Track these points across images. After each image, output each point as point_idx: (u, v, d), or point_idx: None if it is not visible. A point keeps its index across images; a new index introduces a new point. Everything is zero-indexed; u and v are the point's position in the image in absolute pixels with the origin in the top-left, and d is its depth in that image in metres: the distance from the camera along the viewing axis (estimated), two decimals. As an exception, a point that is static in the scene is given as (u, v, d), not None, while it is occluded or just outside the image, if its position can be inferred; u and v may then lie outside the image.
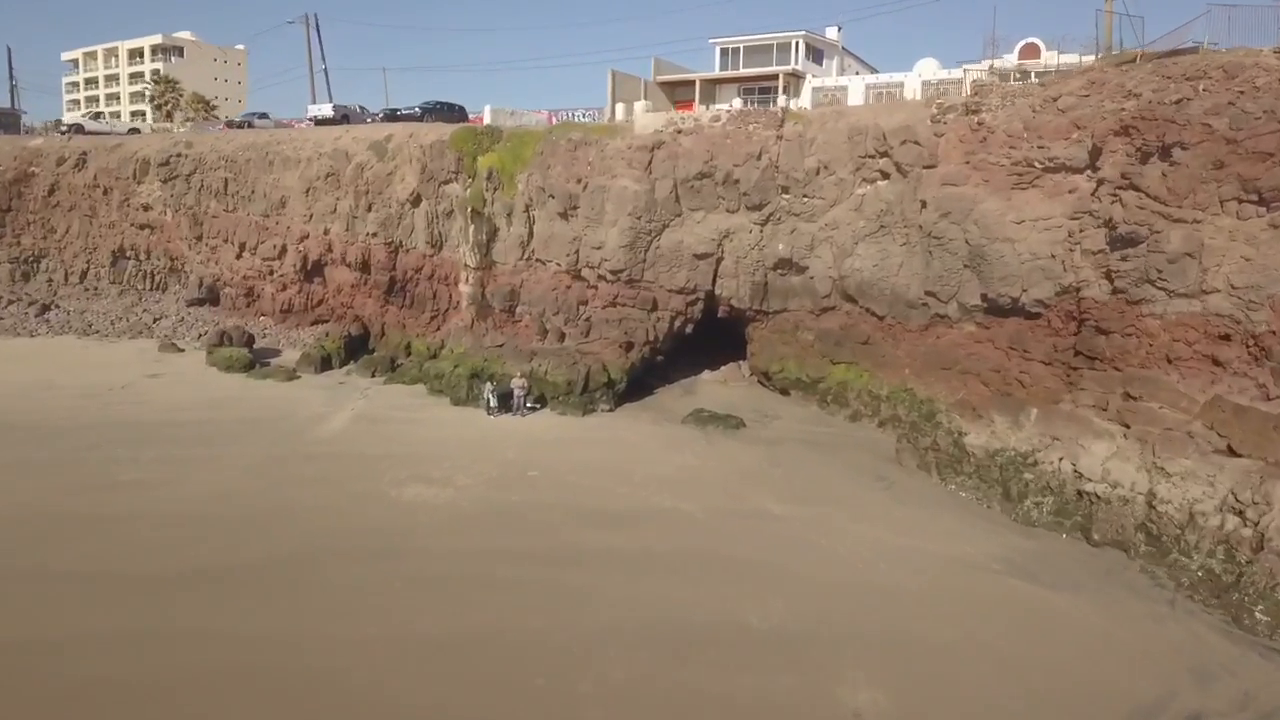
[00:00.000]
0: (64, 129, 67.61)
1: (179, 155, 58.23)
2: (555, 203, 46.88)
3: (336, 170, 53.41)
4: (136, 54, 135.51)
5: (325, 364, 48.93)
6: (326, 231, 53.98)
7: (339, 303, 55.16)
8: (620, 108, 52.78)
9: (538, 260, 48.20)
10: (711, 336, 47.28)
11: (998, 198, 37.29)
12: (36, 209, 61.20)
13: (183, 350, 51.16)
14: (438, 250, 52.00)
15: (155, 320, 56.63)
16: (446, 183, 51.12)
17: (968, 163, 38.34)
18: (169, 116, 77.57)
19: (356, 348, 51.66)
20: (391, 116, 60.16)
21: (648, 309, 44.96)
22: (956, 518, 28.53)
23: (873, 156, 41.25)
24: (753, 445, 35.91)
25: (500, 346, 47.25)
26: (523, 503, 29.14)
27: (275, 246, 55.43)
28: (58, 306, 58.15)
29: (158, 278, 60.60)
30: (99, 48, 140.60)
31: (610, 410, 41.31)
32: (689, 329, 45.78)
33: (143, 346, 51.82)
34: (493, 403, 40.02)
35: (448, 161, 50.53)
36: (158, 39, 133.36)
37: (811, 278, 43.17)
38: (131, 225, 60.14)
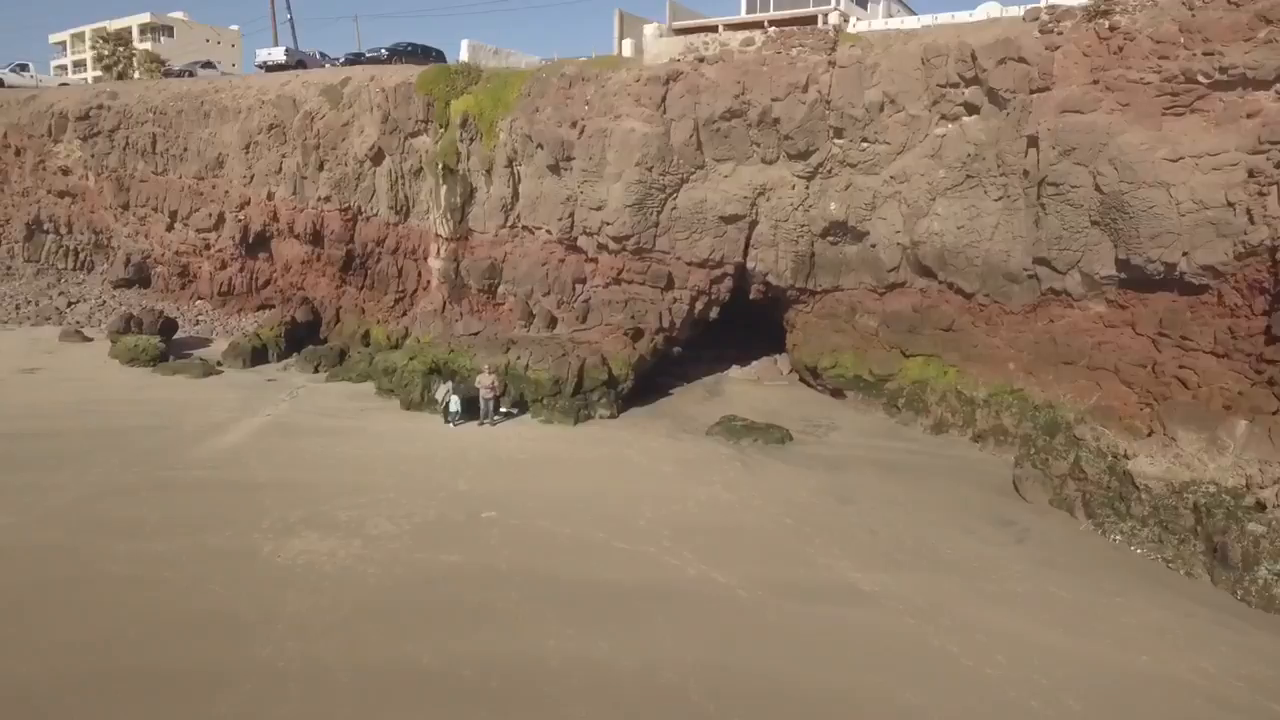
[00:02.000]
0: (-23, 81, 57.16)
1: (100, 108, 47.46)
2: (544, 154, 36.00)
3: (282, 121, 42.65)
4: (125, 34, 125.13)
5: (259, 356, 38.25)
6: (270, 196, 43.26)
7: (288, 283, 44.47)
8: (628, 44, 41.89)
9: (524, 227, 37.37)
10: (741, 323, 36.40)
11: (1143, 127, 26.33)
12: (-62, 173, 50.82)
13: (90, 339, 40.52)
14: (404, 217, 41.28)
15: (70, 304, 45.97)
16: (414, 134, 40.35)
17: (1097, 82, 27.33)
18: (121, 78, 67.10)
19: (303, 337, 40.97)
20: (355, 62, 49.38)
21: (661, 287, 34.06)
22: (1149, 597, 17.47)
23: (957, 85, 30.22)
24: (807, 469, 24.96)
25: (475, 335, 36.48)
26: (463, 569, 18.25)
27: (211, 215, 44.70)
28: (-43, 288, 47.67)
29: (82, 254, 49.87)
30: (86, 29, 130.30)
31: (611, 417, 30.43)
32: (713, 313, 34.84)
33: (40, 335, 41.14)
34: (453, 407, 29.22)
35: (415, 108, 39.75)
36: (145, 18, 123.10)
37: (873, 246, 32.24)
38: (49, 192, 49.52)
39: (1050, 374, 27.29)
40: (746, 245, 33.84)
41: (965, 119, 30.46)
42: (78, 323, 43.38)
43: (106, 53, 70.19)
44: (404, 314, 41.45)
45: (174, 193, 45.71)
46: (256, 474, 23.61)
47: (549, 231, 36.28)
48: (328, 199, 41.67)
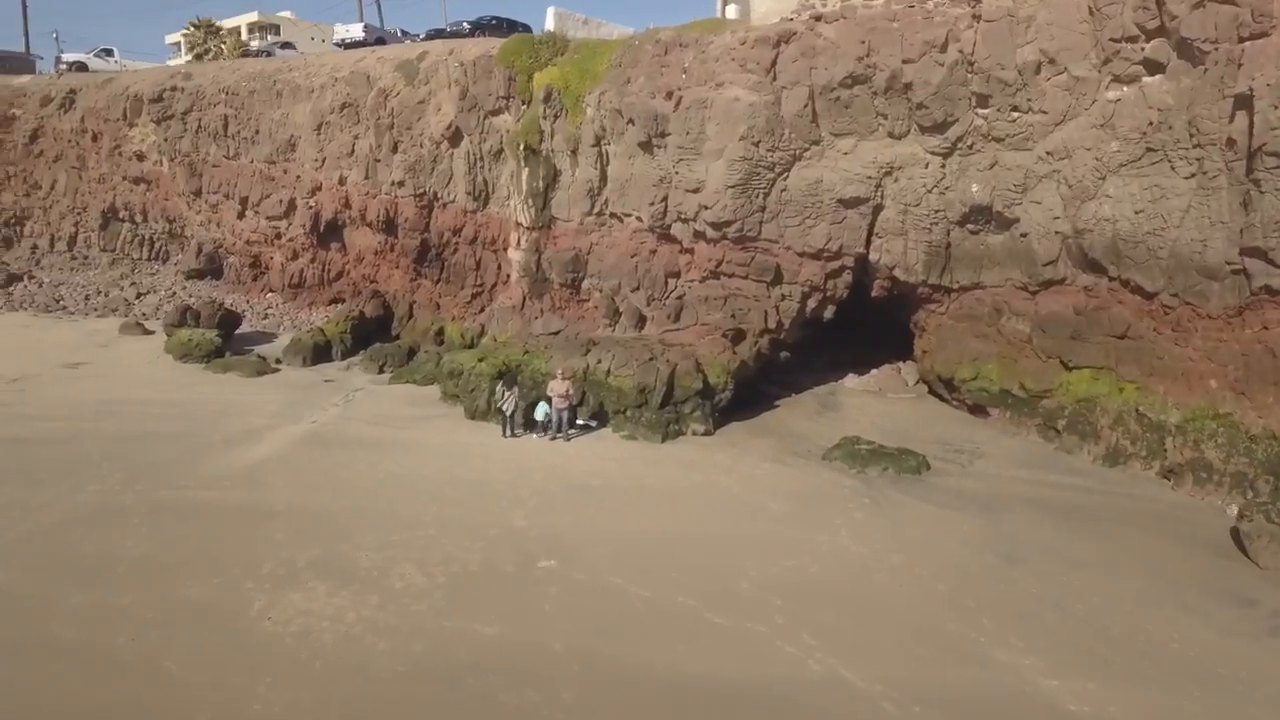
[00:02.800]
0: (63, 66, 54.81)
1: (174, 89, 44.34)
2: (636, 130, 30.97)
3: (355, 99, 38.66)
4: (235, 34, 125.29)
5: (321, 354, 34.20)
6: (342, 181, 39.33)
7: (360, 275, 40.55)
8: (733, 9, 36.64)
9: (612, 214, 32.42)
10: (857, 324, 30.72)
11: (1404, 79, 19.91)
12: (17, 159, 48.32)
13: (152, 332, 37.08)
14: (482, 204, 36.84)
15: (140, 295, 42.92)
16: (495, 113, 35.87)
17: (1337, 23, 20.98)
18: (213, 66, 64.71)
19: (372, 333, 36.93)
20: (436, 37, 45.26)
21: (767, 282, 28.68)
22: None
23: (1135, 38, 24.09)
24: (954, 510, 19.28)
25: (555, 334, 31.72)
26: (503, 648, 13.26)
27: (281, 202, 41.04)
28: (31, 278, 45.00)
29: (157, 244, 46.98)
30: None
31: (706, 433, 25.16)
32: (828, 312, 29.28)
33: (100, 327, 37.91)
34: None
35: (495, 83, 35.25)
36: (253, 16, 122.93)
37: (1024, 235, 26.32)
38: (124, 179, 46.68)
39: (1270, 395, 20.93)
40: (869, 234, 28.23)
41: (1146, 80, 24.30)
42: (143, 315, 40.14)
43: (198, 40, 67.83)
44: (481, 310, 37.02)
45: (245, 178, 42.25)
46: (275, 497, 19.13)
47: (639, 218, 31.25)
48: (401, 184, 37.48)
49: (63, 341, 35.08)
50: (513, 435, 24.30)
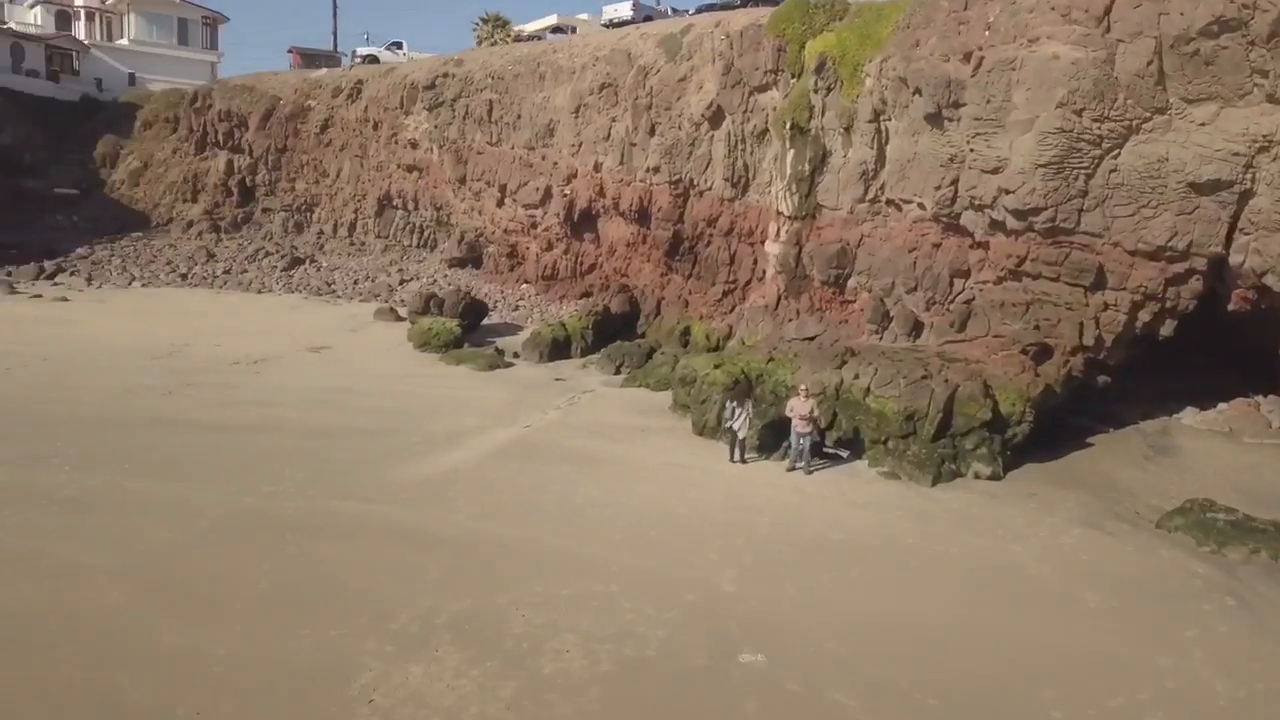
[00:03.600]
0: (356, 59, 56.58)
1: (446, 75, 43.68)
2: (923, 100, 25.31)
3: (614, 79, 35.67)
4: (536, 37, 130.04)
5: (560, 349, 31.38)
6: (597, 167, 36.50)
7: (612, 268, 37.58)
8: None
9: (888, 201, 27.03)
10: (1193, 339, 23.30)
11: None
12: (310, 148, 50.10)
13: (404, 318, 35.97)
14: (741, 192, 32.64)
15: (403, 282, 42.53)
16: (761, 89, 31.59)
17: None
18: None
19: (617, 330, 33.70)
20: (705, 11, 41.56)
21: (1085, 286, 22.13)
22: None
23: None
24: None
25: (810, 339, 26.91)
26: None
27: (538, 189, 38.93)
28: (313, 261, 46.07)
29: (425, 231, 46.88)
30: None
31: (993, 477, 19.15)
32: (1166, 327, 22.24)
33: (358, 311, 37.26)
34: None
35: (763, 55, 30.93)
36: (553, 19, 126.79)
37: None
38: (399, 166, 46.86)
39: None
40: (1231, 228, 21.00)
41: None
42: (400, 301, 39.49)
43: (485, 34, 68.67)
44: (732, 309, 32.81)
45: (505, 165, 40.64)
46: (448, 520, 15.75)
47: (921, 205, 25.63)
48: (656, 169, 34.03)
49: (318, 324, 34.65)
50: (742, 461, 19.70)
